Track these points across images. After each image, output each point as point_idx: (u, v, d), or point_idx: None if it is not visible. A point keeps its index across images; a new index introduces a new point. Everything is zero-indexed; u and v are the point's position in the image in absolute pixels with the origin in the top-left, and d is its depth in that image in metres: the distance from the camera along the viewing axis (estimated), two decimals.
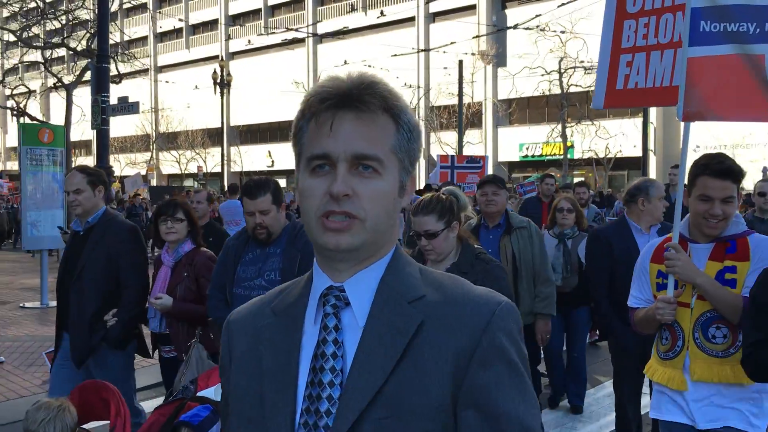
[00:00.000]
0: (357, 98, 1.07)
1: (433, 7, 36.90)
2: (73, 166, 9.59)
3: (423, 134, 1.20)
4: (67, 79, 18.75)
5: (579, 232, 5.75)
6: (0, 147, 55.30)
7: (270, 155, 43.20)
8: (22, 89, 21.47)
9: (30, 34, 17.73)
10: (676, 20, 3.16)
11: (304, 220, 1.12)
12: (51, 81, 19.47)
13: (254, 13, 46.08)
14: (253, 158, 42.02)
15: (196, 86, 37.53)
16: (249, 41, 41.08)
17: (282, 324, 1.15)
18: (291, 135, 1.14)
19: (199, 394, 3.09)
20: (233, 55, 44.94)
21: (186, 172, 41.91)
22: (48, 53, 18.23)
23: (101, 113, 10.16)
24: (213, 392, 3.07)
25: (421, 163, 38.81)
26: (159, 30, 47.68)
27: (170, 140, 43.64)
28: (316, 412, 1.06)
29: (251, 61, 43.66)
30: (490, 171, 12.02)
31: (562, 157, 29.29)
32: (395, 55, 25.44)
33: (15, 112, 18.40)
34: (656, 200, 4.30)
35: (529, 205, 8.63)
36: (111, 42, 10.86)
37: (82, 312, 4.02)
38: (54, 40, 17.21)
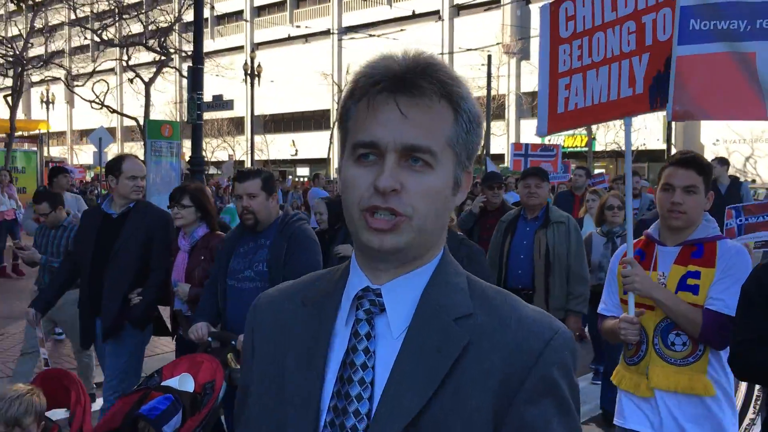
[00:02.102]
0: (412, 82, 0.99)
1: (458, 0, 38.73)
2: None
3: (483, 124, 1.07)
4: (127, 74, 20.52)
5: (623, 230, 5.47)
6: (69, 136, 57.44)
7: (294, 144, 45.21)
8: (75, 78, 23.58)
9: (109, 35, 19.73)
10: (608, 37, 3.23)
11: (346, 212, 1.04)
12: (124, 76, 21.44)
13: (279, 5, 47.96)
14: (278, 147, 44.00)
15: (218, 75, 39.39)
16: (276, 31, 42.82)
17: (311, 319, 1.09)
18: (337, 116, 1.08)
19: (163, 383, 3.11)
20: (257, 46, 46.88)
21: (212, 159, 43.99)
22: (129, 51, 20.28)
23: (197, 109, 12.10)
24: (177, 382, 3.13)
25: None
26: (183, 21, 49.70)
27: (138, 125, 45.38)
28: (341, 426, 0.99)
29: (275, 52, 45.56)
30: (511, 163, 13.50)
31: (585, 149, 31.09)
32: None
33: (96, 105, 20.52)
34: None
35: (561, 199, 8.75)
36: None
37: (115, 292, 4.25)
38: (135, 40, 19.26)
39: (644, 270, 2.72)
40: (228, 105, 12.74)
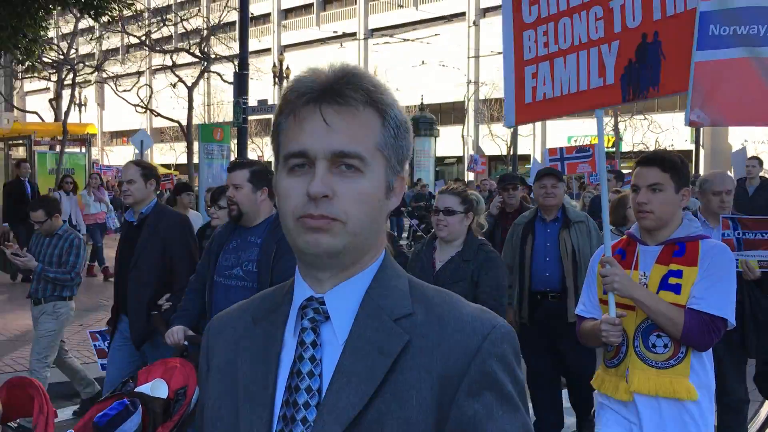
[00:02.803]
0: (337, 92, 1.02)
1: (483, 3, 39.28)
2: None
3: (411, 130, 1.09)
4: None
5: None
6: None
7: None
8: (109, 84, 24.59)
9: (151, 41, 20.69)
10: (574, 23, 3.13)
11: (282, 223, 1.07)
12: (163, 79, 22.42)
13: (306, 8, 48.88)
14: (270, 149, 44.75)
15: (252, 78, 40.30)
16: (302, 34, 43.71)
17: (260, 334, 1.11)
18: (271, 134, 1.10)
19: (137, 389, 3.09)
20: (284, 48, 47.80)
21: (238, 159, 44.85)
22: (174, 56, 21.26)
23: (242, 113, 12.85)
24: (149, 388, 3.08)
25: (467, 157, 41.21)
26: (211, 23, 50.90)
27: (181, 126, 46.54)
28: None
29: (302, 54, 46.46)
30: (539, 163, 13.61)
31: (612, 149, 31.50)
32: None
33: (141, 109, 21.51)
34: (709, 195, 4.43)
35: (595, 204, 8.68)
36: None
37: (140, 298, 4.32)
38: (180, 45, 20.19)
39: (625, 270, 2.66)
40: (273, 109, 13.45)
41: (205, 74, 21.69)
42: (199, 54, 20.05)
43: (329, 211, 1.01)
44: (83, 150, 17.30)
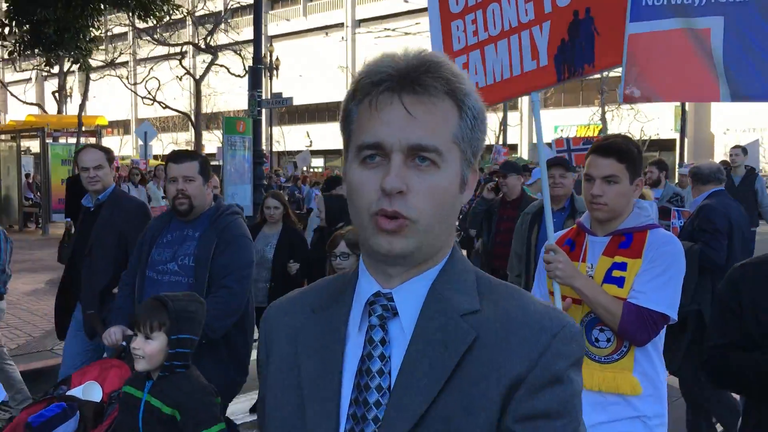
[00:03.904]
0: (416, 80, 1.00)
1: None
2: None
3: (487, 120, 1.11)
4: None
5: None
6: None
7: (308, 135, 46.77)
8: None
9: (159, 35, 21.34)
10: (503, 8, 3.08)
11: (354, 218, 1.06)
12: (172, 73, 23.04)
13: None
14: (292, 139, 45.55)
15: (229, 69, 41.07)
16: (287, 20, 44.24)
17: (322, 328, 1.11)
18: (339, 118, 1.08)
19: (69, 392, 3.00)
20: (271, 39, 48.34)
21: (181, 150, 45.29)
22: (180, 49, 21.92)
23: (256, 106, 13.63)
24: (81, 391, 3.00)
25: None
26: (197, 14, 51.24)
27: (211, 120, 47.27)
28: None
29: (289, 44, 47.01)
30: (525, 153, 14.08)
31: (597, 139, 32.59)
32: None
33: (148, 100, 22.16)
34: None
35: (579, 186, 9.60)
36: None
37: (93, 286, 4.14)
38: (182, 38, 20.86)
39: (572, 260, 2.63)
40: (288, 101, 14.27)
41: (193, 65, 22.27)
42: (205, 47, 20.79)
43: (402, 207, 0.99)
44: (93, 140, 17.96)
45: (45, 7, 7.32)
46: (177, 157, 3.58)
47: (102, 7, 8.20)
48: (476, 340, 1.02)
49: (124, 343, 3.37)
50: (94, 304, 4.12)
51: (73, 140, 17.54)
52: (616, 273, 2.53)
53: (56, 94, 21.26)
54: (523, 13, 3.03)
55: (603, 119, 31.76)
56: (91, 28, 8.09)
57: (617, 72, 3.34)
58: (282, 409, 1.10)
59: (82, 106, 16.03)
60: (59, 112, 20.70)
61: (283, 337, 1.15)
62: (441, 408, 0.99)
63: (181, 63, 21.75)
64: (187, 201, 3.46)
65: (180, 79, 21.95)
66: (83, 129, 17.24)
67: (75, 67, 9.70)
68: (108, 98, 41.22)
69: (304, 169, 22.30)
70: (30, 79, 40.76)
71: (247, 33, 47.00)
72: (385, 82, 1.01)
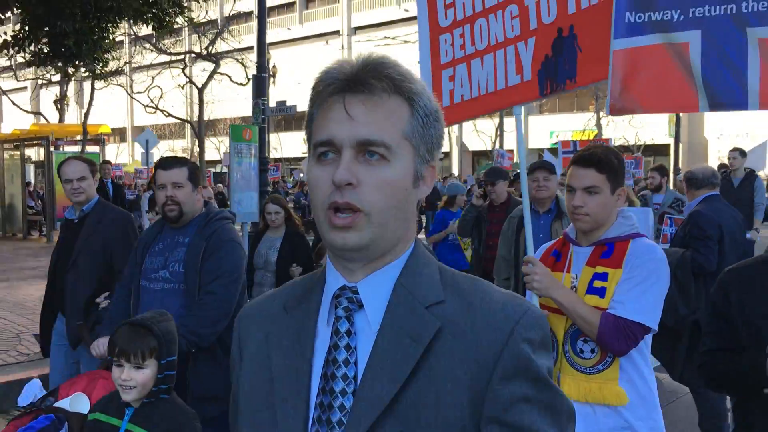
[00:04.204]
0: (361, 81, 1.06)
1: None
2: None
3: (442, 118, 1.17)
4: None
5: None
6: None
7: (305, 142, 46.88)
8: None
9: (159, 42, 21.62)
10: (490, 23, 3.15)
11: (314, 213, 1.11)
12: (174, 81, 23.32)
13: (289, 6, 49.76)
14: (289, 145, 45.82)
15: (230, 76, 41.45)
16: (288, 29, 44.66)
17: (293, 324, 1.15)
18: (305, 124, 1.15)
19: (56, 404, 2.99)
20: (268, 46, 48.61)
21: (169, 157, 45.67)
22: (184, 58, 22.21)
23: (261, 113, 13.90)
24: (69, 403, 2.99)
25: (454, 151, 42.47)
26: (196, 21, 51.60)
27: (209, 127, 47.58)
28: (327, 422, 1.06)
29: (285, 52, 47.35)
30: (552, 157, 14.25)
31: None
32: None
33: (150, 109, 22.39)
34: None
35: None
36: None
37: (77, 296, 4.14)
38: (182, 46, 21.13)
39: (557, 271, 2.67)
40: (291, 110, 14.55)
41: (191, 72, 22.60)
42: (208, 56, 21.10)
43: (353, 198, 1.04)
44: (96, 149, 18.19)
45: (64, 19, 7.58)
46: (165, 163, 3.57)
47: (117, 18, 8.45)
48: (441, 329, 1.06)
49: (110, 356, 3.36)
50: (78, 316, 4.09)
51: (77, 148, 17.75)
52: (597, 283, 2.54)
53: (57, 103, 21.47)
54: (510, 29, 3.11)
55: (598, 125, 32.16)
56: (107, 40, 8.34)
57: None
58: (253, 402, 1.15)
59: (86, 115, 16.25)
60: (60, 120, 20.90)
61: (256, 334, 1.20)
62: (410, 396, 1.04)
63: (183, 72, 22.04)
64: (177, 207, 3.46)
65: (182, 87, 22.24)
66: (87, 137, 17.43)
67: (74, 74, 9.88)
68: (104, 106, 41.35)
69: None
70: (26, 87, 40.94)
71: (247, 41, 47.53)
72: (332, 85, 1.08)
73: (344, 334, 1.10)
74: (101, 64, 8.38)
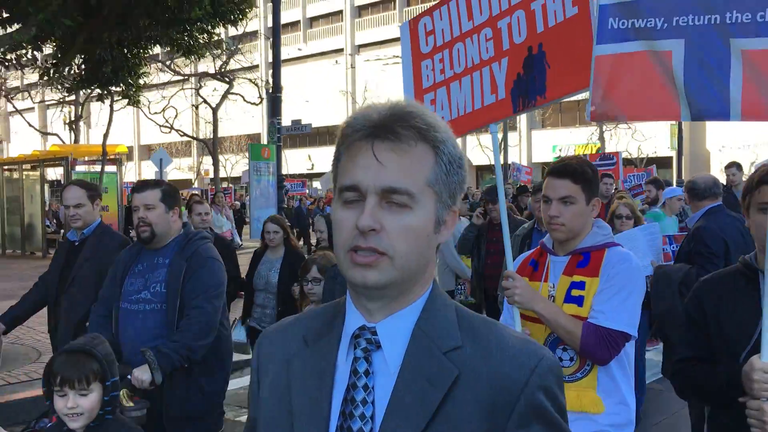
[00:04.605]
0: (389, 129, 1.10)
1: None
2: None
3: (465, 165, 1.21)
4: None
5: None
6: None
7: (310, 159, 47.65)
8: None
9: (173, 63, 22.27)
10: (467, 47, 3.28)
11: (335, 253, 1.16)
12: (187, 101, 23.93)
13: (293, 25, 50.58)
14: (294, 162, 46.43)
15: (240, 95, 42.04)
16: (299, 49, 45.43)
17: (313, 358, 1.19)
18: (332, 161, 1.20)
19: (49, 425, 2.96)
20: (272, 65, 49.36)
21: (232, 175, 46.49)
22: (198, 79, 22.90)
23: (276, 132, 14.43)
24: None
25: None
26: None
27: (206, 144, 48.23)
28: None
29: (290, 70, 48.08)
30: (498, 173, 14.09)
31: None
32: None
33: (165, 129, 23.00)
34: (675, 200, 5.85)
35: None
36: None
37: (70, 319, 4.21)
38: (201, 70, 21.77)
39: (534, 281, 2.73)
40: (306, 128, 15.09)
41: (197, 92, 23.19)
42: (221, 77, 21.79)
43: (377, 244, 1.09)
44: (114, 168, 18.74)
45: (103, 48, 8.14)
46: (139, 186, 3.69)
47: (150, 46, 9.00)
48: (459, 376, 1.10)
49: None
50: (69, 337, 4.02)
51: (96, 168, 18.31)
52: (575, 292, 2.59)
53: (72, 124, 22.09)
54: (485, 51, 3.22)
55: (601, 138, 32.66)
56: (142, 67, 8.90)
57: None
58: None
59: (106, 135, 16.83)
60: (76, 141, 21.51)
61: (276, 363, 1.24)
62: None
63: (198, 92, 22.71)
64: (149, 228, 3.52)
65: (196, 108, 22.92)
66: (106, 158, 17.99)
67: (106, 97, 10.43)
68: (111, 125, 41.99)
69: (328, 190, 23.19)
70: (33, 108, 41.60)
71: (253, 60, 48.18)
72: (361, 130, 1.12)
73: (362, 374, 1.14)
74: (135, 89, 8.90)
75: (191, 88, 21.99)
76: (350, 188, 1.11)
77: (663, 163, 32.57)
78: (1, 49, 7.39)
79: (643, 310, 3.86)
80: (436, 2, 3.54)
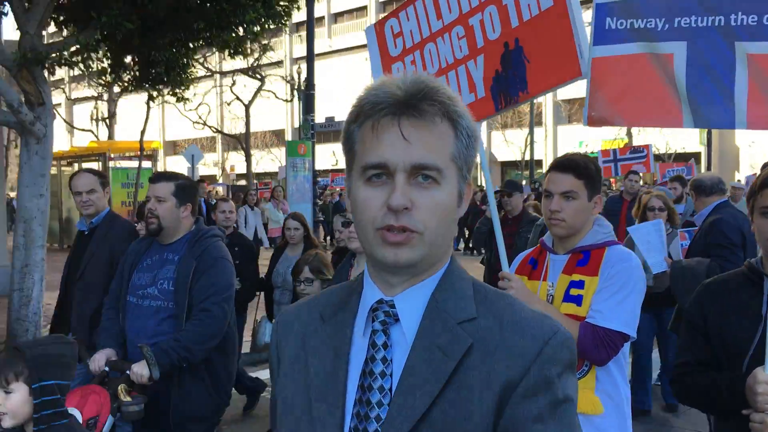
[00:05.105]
0: (414, 106, 1.10)
1: None
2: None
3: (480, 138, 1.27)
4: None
5: (672, 229, 5.74)
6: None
7: (334, 155, 48.03)
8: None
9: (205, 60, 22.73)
10: (438, 47, 3.20)
11: (360, 232, 1.15)
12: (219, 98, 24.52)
13: (318, 20, 50.91)
14: (319, 158, 46.81)
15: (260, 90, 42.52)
16: (329, 46, 45.83)
17: (330, 333, 1.21)
18: (341, 140, 1.17)
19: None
20: (296, 60, 49.86)
21: (257, 171, 47.03)
22: (232, 77, 23.48)
23: (310, 129, 14.81)
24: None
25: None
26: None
27: (242, 141, 48.82)
28: (364, 431, 1.12)
29: (316, 66, 48.42)
30: (486, 174, 14.02)
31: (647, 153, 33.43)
32: None
33: (198, 125, 23.52)
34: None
35: (609, 203, 8.72)
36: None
37: (83, 309, 4.19)
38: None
39: (533, 279, 2.70)
40: (340, 125, 15.37)
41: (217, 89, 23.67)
42: (253, 73, 22.28)
43: (409, 222, 1.10)
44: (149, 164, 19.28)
45: (157, 50, 8.53)
46: (154, 177, 3.72)
47: (199, 46, 9.37)
48: (472, 346, 1.12)
49: (106, 368, 3.39)
50: (83, 328, 4.17)
51: (133, 164, 18.84)
52: (574, 291, 2.55)
53: (106, 120, 22.72)
54: (458, 49, 3.15)
55: (629, 133, 32.62)
56: (191, 66, 9.28)
57: None
58: (293, 409, 1.21)
59: (143, 132, 17.33)
60: (110, 137, 22.12)
61: (293, 341, 1.26)
62: (442, 408, 1.09)
63: (231, 89, 23.24)
64: (156, 220, 3.52)
65: (229, 104, 23.47)
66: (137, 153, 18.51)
67: (156, 97, 10.84)
68: (133, 120, 42.76)
69: None
70: (60, 104, 42.43)
71: (277, 55, 48.68)
72: (385, 108, 1.11)
73: (381, 347, 1.15)
74: (183, 88, 9.29)
75: (225, 85, 22.45)
76: (377, 166, 1.11)
77: (689, 158, 32.44)
78: (66, 52, 7.79)
79: (647, 310, 3.72)
80: (400, 4, 3.46)
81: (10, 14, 7.82)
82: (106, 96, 22.43)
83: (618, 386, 2.55)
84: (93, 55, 8.21)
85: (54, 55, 7.65)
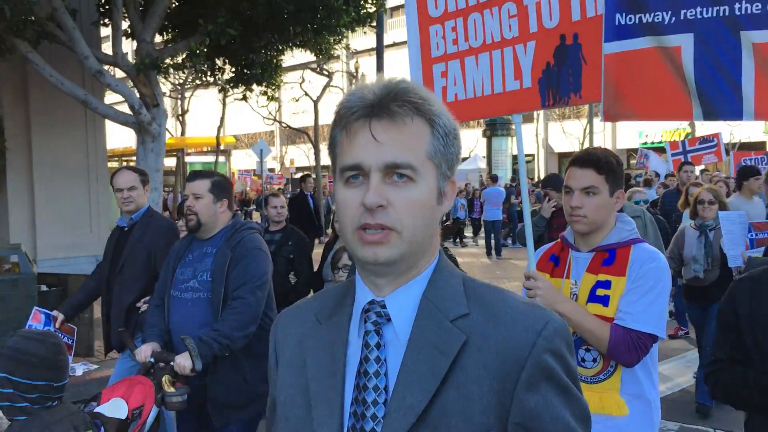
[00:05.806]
0: (384, 107, 1.13)
1: None
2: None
3: (460, 136, 1.24)
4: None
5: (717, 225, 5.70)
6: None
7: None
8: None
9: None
10: (485, 19, 3.02)
11: (342, 233, 1.19)
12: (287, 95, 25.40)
13: (372, 15, 51.52)
14: None
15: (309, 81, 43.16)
16: (396, 40, 46.54)
17: (326, 334, 1.24)
18: (327, 145, 1.23)
19: (96, 409, 3.07)
20: (353, 54, 50.58)
21: (313, 164, 47.96)
22: (301, 74, 24.53)
23: None
24: (107, 408, 3.06)
25: (540, 153, 42.87)
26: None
27: (300, 136, 49.88)
28: (361, 430, 1.15)
29: (370, 60, 49.08)
30: (660, 160, 13.58)
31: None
32: None
33: (267, 121, 24.49)
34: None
35: (667, 199, 8.78)
36: None
37: (121, 303, 4.41)
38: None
39: (555, 277, 2.66)
40: None
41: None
42: (320, 71, 23.18)
43: (385, 219, 1.13)
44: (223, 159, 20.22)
45: (255, 52, 9.29)
46: (191, 176, 3.86)
47: (290, 47, 10.11)
48: (467, 342, 1.14)
49: (152, 360, 3.51)
50: (121, 320, 4.37)
51: (209, 159, 19.85)
52: (600, 291, 2.50)
53: (179, 117, 23.90)
54: (507, 29, 2.97)
55: (691, 123, 32.30)
56: (283, 66, 10.04)
57: None
58: (292, 409, 1.24)
59: (219, 128, 18.25)
60: (182, 133, 23.23)
61: (292, 341, 1.30)
62: (439, 406, 1.12)
63: (300, 86, 24.16)
64: (195, 217, 3.67)
65: (297, 100, 24.42)
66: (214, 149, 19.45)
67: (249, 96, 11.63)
68: (199, 116, 44.20)
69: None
70: (124, 101, 44.06)
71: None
72: (357, 111, 1.15)
73: (374, 347, 1.18)
74: (274, 87, 10.04)
75: (295, 82, 23.30)
76: (352, 168, 1.15)
77: (757, 148, 31.88)
78: (179, 58, 8.62)
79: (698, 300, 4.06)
80: None
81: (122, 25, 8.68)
82: (181, 95, 23.54)
83: (643, 387, 2.52)
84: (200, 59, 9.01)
85: (168, 60, 8.48)
